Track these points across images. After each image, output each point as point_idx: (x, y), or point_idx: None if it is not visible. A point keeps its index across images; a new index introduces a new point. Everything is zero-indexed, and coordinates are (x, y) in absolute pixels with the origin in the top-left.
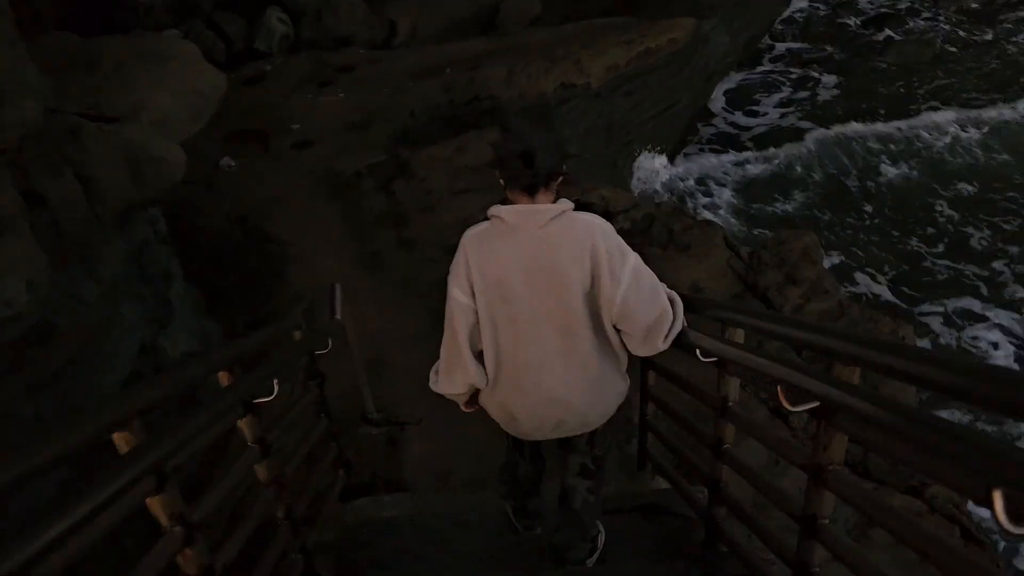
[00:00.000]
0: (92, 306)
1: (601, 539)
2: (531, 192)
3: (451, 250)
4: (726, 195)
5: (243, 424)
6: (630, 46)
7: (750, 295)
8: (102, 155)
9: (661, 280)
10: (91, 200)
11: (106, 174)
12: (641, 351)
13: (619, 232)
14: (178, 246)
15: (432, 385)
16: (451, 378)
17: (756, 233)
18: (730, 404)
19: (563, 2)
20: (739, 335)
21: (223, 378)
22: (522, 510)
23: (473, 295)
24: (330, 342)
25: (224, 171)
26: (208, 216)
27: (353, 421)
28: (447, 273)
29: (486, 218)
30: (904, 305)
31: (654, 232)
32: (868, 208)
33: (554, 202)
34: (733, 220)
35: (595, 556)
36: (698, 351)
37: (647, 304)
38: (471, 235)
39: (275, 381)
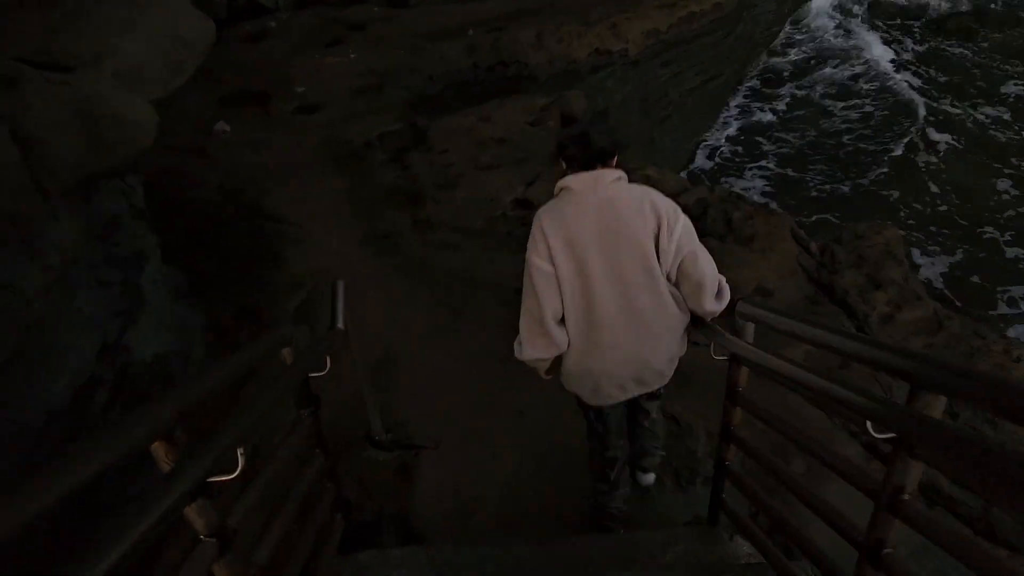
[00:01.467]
0: (33, 298)
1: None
2: (589, 169)
3: (473, 234)
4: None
5: (192, 512)
6: (672, 10)
7: (826, 299)
8: (48, 112)
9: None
10: (33, 168)
11: (54, 135)
12: (695, 304)
13: None
14: (159, 222)
15: (517, 355)
16: (535, 343)
17: (813, 219)
18: None
19: None
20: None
21: (159, 450)
22: (602, 509)
23: (551, 260)
24: (328, 361)
25: (218, 137)
26: (197, 188)
27: (356, 443)
28: (468, 261)
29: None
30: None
31: (709, 220)
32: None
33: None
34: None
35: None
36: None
37: (695, 257)
38: (543, 210)
39: (240, 451)
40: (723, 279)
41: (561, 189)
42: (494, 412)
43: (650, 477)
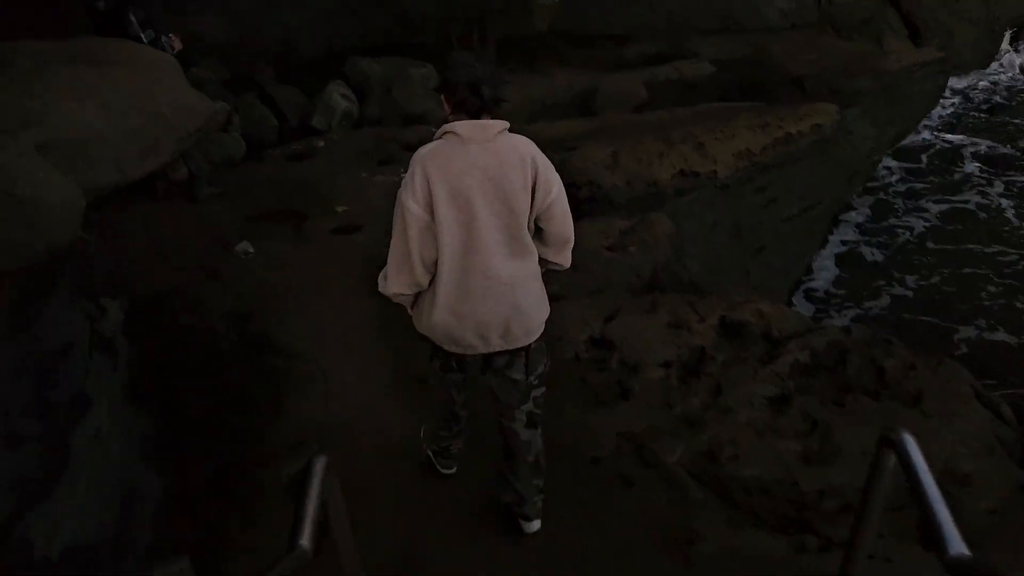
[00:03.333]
0: None
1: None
2: (477, 117)
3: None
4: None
5: None
6: (765, 130)
7: None
8: None
9: None
10: None
11: None
12: (551, 255)
13: (793, 366)
14: (141, 354)
15: (381, 288)
16: (399, 279)
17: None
18: None
19: (673, 89)
20: None
21: None
22: (446, 451)
23: (428, 207)
24: None
25: (239, 258)
26: (197, 313)
27: None
28: None
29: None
30: None
31: (851, 370)
32: None
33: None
34: None
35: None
36: None
37: (567, 215)
38: (424, 152)
39: None
40: None
41: (445, 133)
42: None
43: (535, 524)
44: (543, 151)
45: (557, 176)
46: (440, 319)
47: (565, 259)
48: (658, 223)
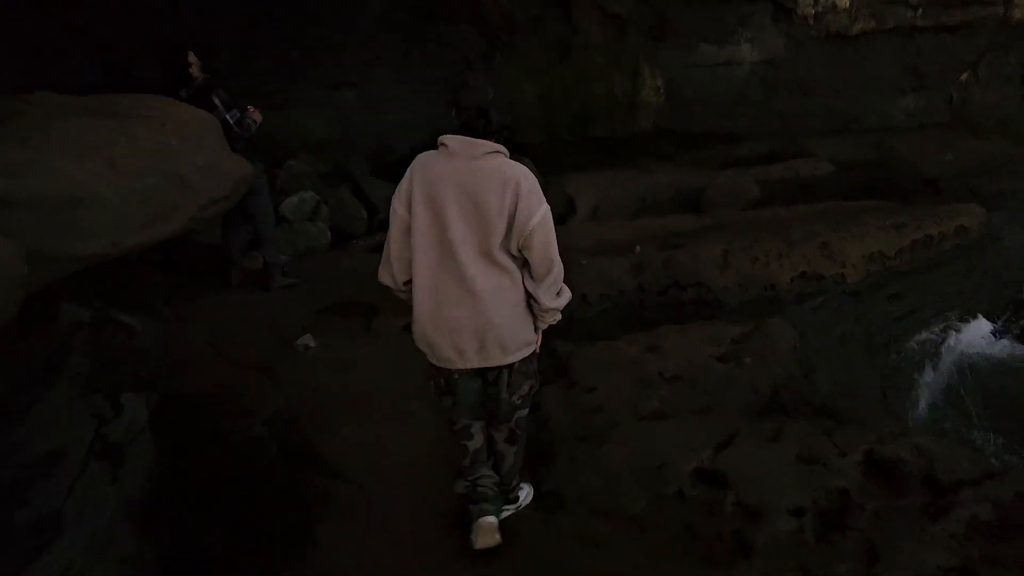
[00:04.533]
0: None
1: (524, 494)
2: (471, 132)
3: (629, 523)
4: None
5: None
6: (901, 231)
7: None
8: None
9: None
10: None
11: None
12: (536, 289)
13: (971, 525)
14: (160, 463)
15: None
16: (382, 271)
17: None
18: None
19: (788, 188)
20: None
21: None
22: (474, 490)
23: (408, 208)
24: None
25: (298, 352)
26: (241, 416)
27: None
28: (621, 569)
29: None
30: None
31: None
32: None
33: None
34: None
35: (514, 507)
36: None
37: (549, 247)
38: (421, 157)
39: None
40: (566, 287)
41: (441, 144)
42: None
43: (486, 521)
44: (645, 246)
45: (543, 205)
46: (420, 325)
47: (547, 297)
48: (778, 331)
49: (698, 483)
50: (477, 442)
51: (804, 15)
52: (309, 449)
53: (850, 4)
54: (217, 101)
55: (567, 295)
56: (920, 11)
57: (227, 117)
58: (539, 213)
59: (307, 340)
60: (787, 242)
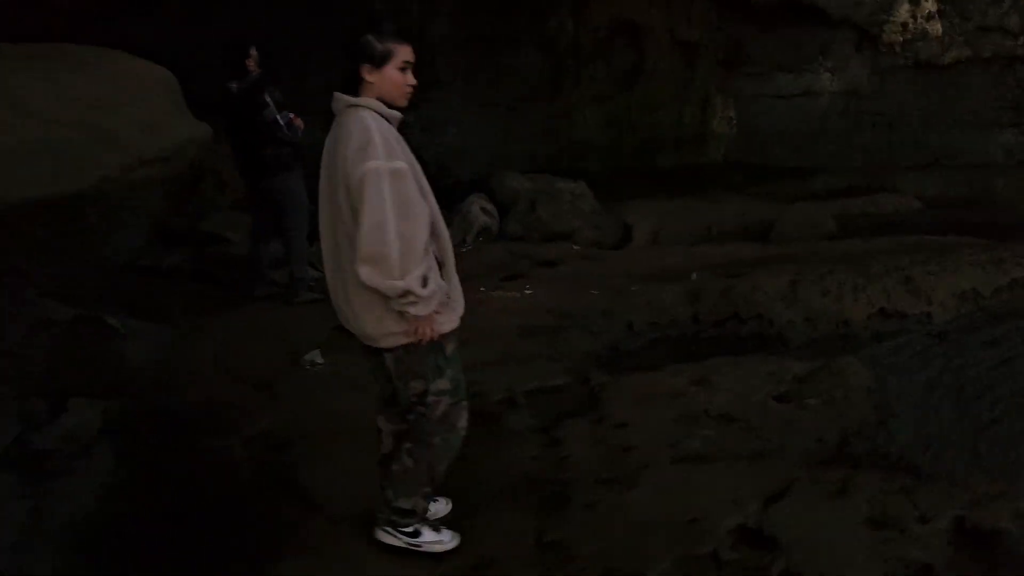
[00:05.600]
0: None
1: (426, 539)
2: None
3: None
4: None
5: None
6: (1000, 268)
7: None
8: None
9: None
10: None
11: None
12: (359, 269)
13: None
14: (131, 482)
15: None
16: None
17: None
18: None
19: (868, 224)
20: None
21: None
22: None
23: None
24: None
25: (303, 369)
26: (223, 435)
27: None
28: None
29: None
30: None
31: None
32: None
33: (356, 94)
34: None
35: (398, 537)
36: None
37: (372, 214)
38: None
39: None
40: (418, 273)
41: None
42: None
43: (378, 534)
44: (704, 274)
45: (370, 162)
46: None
47: (365, 274)
48: (850, 372)
49: (739, 544)
50: (385, 445)
51: (891, 43)
52: (290, 475)
53: (942, 31)
54: (268, 99)
55: (410, 280)
56: (1021, 40)
57: (277, 117)
58: (363, 168)
59: (314, 356)
60: (864, 275)
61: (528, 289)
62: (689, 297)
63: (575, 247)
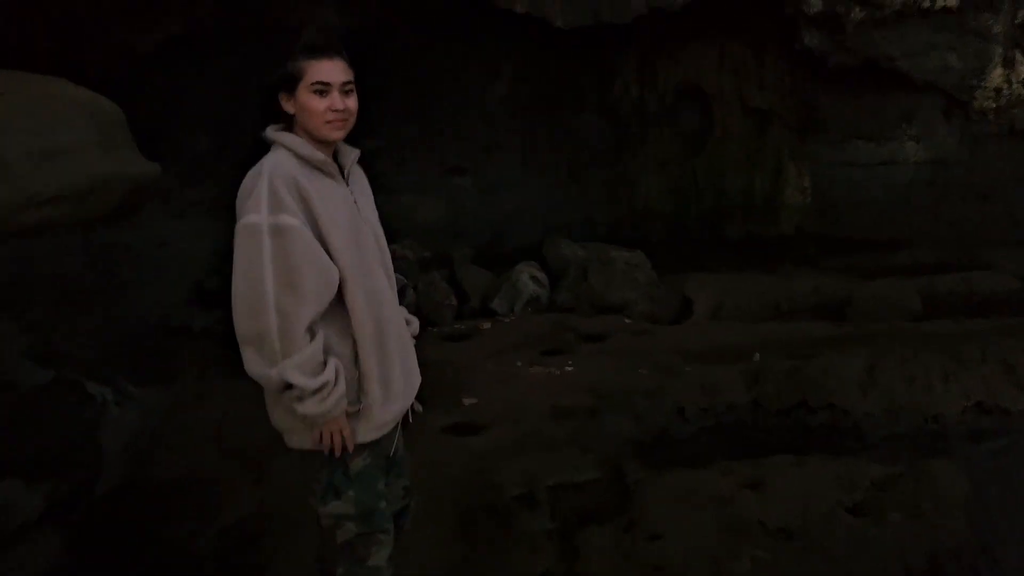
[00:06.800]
0: None
1: None
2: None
3: None
4: None
5: None
6: None
7: None
8: None
9: None
10: None
11: None
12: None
13: None
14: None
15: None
16: None
17: None
18: None
19: (960, 303)
20: None
21: None
22: None
23: None
24: None
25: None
26: (197, 521)
27: None
28: None
29: None
30: None
31: None
32: None
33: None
34: None
35: None
36: None
37: (246, 278)
38: None
39: None
40: (274, 341)
41: None
42: None
43: None
44: (768, 354)
45: (251, 214)
46: None
47: (246, 358)
48: (942, 478)
49: None
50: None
51: (982, 109)
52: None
53: None
54: None
55: (287, 368)
56: None
57: None
58: (236, 227)
59: None
60: (957, 361)
61: (569, 365)
62: (750, 380)
63: (627, 320)
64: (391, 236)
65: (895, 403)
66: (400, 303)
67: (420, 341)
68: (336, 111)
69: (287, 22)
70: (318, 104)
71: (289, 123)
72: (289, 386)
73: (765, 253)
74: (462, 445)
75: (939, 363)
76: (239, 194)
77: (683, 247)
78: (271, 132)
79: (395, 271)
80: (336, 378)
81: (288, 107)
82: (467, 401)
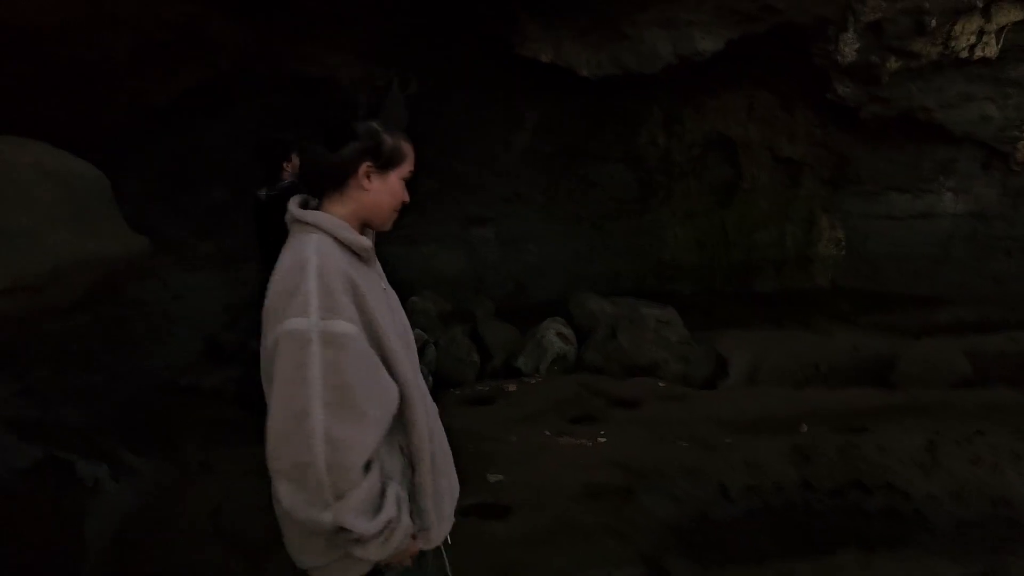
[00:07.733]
0: None
1: None
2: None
3: None
4: None
5: None
6: None
7: None
8: None
9: None
10: None
11: None
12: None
13: None
14: None
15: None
16: None
17: None
18: None
19: (1010, 365)
20: None
21: None
22: None
23: None
24: None
25: None
26: None
27: None
28: None
29: None
30: None
31: None
32: None
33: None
34: None
35: None
36: None
37: (281, 400)
38: None
39: None
40: (323, 477)
41: None
42: None
43: None
44: (815, 425)
45: (299, 316)
46: None
47: (283, 495)
48: None
49: None
50: None
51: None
52: None
53: None
54: None
55: (343, 512)
56: None
57: None
58: (278, 331)
59: None
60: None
61: (601, 436)
62: (798, 456)
63: (660, 384)
64: (411, 289)
65: (960, 485)
66: (419, 361)
67: (441, 405)
68: (405, 203)
69: (306, 72)
70: (403, 194)
71: (318, 198)
72: (340, 531)
73: (798, 308)
74: (487, 532)
75: (1006, 441)
76: (275, 288)
77: (712, 301)
78: (309, 213)
79: (413, 326)
80: (399, 512)
81: (364, 183)
82: (492, 478)
